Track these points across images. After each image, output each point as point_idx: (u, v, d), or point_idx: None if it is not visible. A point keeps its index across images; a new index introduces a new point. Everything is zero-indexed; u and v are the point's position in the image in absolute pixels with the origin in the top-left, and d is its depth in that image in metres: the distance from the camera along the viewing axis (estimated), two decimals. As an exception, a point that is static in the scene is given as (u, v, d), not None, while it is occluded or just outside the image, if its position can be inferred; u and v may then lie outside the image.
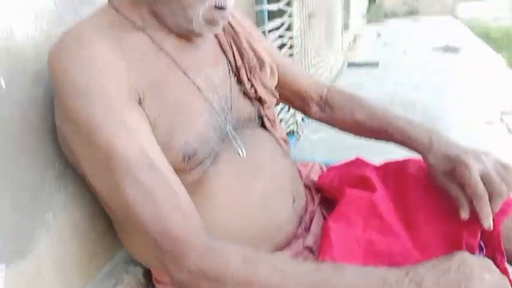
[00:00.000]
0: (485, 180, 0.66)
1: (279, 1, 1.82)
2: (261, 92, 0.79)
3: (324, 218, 0.83)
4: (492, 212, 0.65)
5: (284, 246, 0.75)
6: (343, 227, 0.72)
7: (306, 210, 0.83)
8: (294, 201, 0.77)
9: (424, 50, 5.02)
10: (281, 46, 1.94)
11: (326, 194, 0.89)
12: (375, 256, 0.68)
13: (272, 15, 1.77)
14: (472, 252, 0.67)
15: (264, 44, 0.87)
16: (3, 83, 0.59)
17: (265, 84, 0.80)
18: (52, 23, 0.68)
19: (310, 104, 0.95)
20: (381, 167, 0.87)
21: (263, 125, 0.83)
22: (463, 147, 0.72)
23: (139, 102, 0.61)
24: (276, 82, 0.84)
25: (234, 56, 0.78)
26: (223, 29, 0.77)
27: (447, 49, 4.92)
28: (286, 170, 0.79)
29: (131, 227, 0.62)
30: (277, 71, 0.84)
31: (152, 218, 0.56)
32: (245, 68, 0.78)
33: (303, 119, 2.40)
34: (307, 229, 0.79)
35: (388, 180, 0.82)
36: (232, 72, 0.77)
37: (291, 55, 2.08)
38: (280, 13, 1.87)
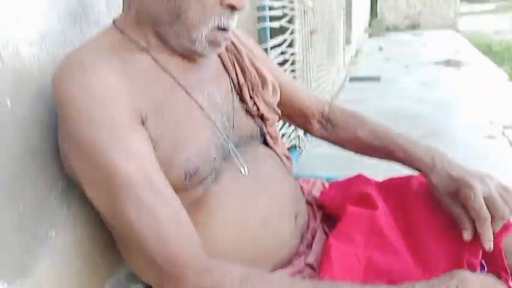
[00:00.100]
0: (489, 202, 0.67)
1: (281, 19, 1.84)
2: (263, 110, 0.80)
3: (326, 234, 0.83)
4: (493, 232, 0.66)
5: (286, 264, 0.75)
6: (344, 245, 0.72)
7: (308, 227, 0.83)
8: (296, 218, 0.77)
9: (425, 64, 5.04)
10: (283, 62, 1.96)
11: (328, 210, 0.89)
12: (375, 273, 0.68)
13: (274, 32, 1.79)
14: (473, 270, 0.67)
15: (266, 61, 0.88)
16: (9, 103, 0.60)
17: (268, 101, 0.81)
18: (58, 43, 0.69)
19: (312, 121, 0.95)
20: (383, 183, 0.87)
21: (265, 142, 0.83)
22: (466, 168, 0.72)
23: (142, 122, 0.62)
24: (278, 99, 0.85)
25: (236, 74, 0.79)
26: (226, 48, 0.79)
27: (449, 63, 4.95)
28: (289, 188, 0.79)
29: (133, 244, 0.63)
30: (279, 89, 0.85)
31: (152, 237, 0.56)
32: (247, 86, 0.79)
33: (305, 133, 2.40)
34: (309, 246, 0.79)
35: (390, 197, 0.82)
36: (235, 90, 0.78)
37: (293, 71, 2.10)
38: (282, 30, 1.89)
